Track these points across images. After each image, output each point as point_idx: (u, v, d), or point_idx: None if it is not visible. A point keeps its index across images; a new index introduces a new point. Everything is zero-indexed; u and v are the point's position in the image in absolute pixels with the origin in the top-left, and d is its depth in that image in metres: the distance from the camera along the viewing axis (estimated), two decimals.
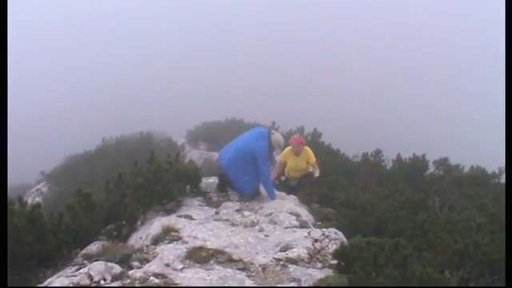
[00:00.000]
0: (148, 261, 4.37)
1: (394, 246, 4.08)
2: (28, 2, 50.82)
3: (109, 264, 4.10)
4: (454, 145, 27.16)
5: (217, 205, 6.54)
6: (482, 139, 31.08)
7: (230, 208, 6.30)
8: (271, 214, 6.01)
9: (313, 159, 8.40)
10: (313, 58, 49.98)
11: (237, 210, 6.21)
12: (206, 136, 20.13)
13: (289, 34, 53.47)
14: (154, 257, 4.46)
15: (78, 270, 4.15)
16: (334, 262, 4.39)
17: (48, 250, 4.60)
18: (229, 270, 4.25)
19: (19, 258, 4.43)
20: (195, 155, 16.05)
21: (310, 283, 4.04)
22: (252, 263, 4.43)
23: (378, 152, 12.68)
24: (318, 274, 4.24)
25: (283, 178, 8.80)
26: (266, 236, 5.23)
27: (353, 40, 51.39)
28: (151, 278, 3.96)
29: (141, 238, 5.09)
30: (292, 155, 8.42)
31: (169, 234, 5.05)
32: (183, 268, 4.23)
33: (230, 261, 4.48)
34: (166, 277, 4.01)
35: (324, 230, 5.30)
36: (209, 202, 6.70)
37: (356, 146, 15.40)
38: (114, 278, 3.96)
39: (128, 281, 3.90)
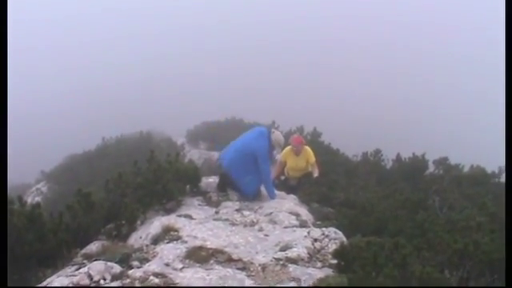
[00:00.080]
0: (148, 260, 4.37)
1: (393, 246, 4.08)
2: (28, 1, 50.83)
3: (108, 263, 4.09)
4: (454, 144, 27.22)
5: (216, 204, 6.54)
6: (481, 138, 31.13)
7: (229, 207, 6.30)
8: (271, 213, 6.01)
9: (312, 159, 8.39)
10: (312, 57, 50.04)
11: (236, 210, 6.20)
12: (206, 135, 20.16)
13: (288, 34, 53.52)
14: (154, 256, 4.46)
15: (77, 269, 4.15)
16: (334, 261, 4.39)
17: (48, 250, 4.60)
18: (228, 269, 4.25)
19: (19, 257, 4.43)
20: (195, 155, 16.09)
21: (310, 283, 4.04)
22: (252, 263, 4.43)
23: (377, 151, 12.68)
24: (317, 273, 4.24)
25: (283, 178, 8.80)
26: (266, 235, 5.23)
27: (352, 39, 51.44)
28: (151, 277, 3.95)
29: (140, 237, 5.09)
30: (292, 155, 8.41)
31: (168, 234, 5.04)
32: (183, 268, 4.23)
33: (229, 260, 4.47)
34: (166, 276, 4.01)
35: (324, 229, 5.30)
36: (208, 202, 6.69)
37: (356, 145, 15.43)
38: (114, 277, 3.96)
39: (128, 280, 3.90)
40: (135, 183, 6.14)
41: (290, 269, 4.32)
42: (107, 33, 53.16)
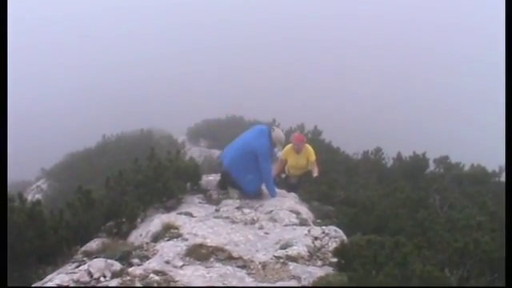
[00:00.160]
0: (148, 258, 4.37)
1: (394, 244, 4.07)
2: None
3: (109, 261, 4.10)
4: (455, 143, 27.23)
5: (217, 202, 6.54)
6: (482, 137, 31.12)
7: (230, 205, 6.29)
8: (271, 211, 6.00)
9: (313, 157, 8.38)
10: (313, 55, 50.01)
11: (237, 208, 6.20)
12: (207, 133, 20.17)
13: (289, 32, 53.45)
14: (154, 254, 4.46)
15: (77, 266, 4.15)
16: (334, 259, 4.39)
17: (48, 247, 4.61)
18: (229, 267, 4.25)
19: (19, 254, 4.43)
20: (195, 152, 16.08)
21: (310, 281, 4.04)
22: (252, 261, 4.43)
23: (378, 150, 12.66)
24: (317, 271, 4.25)
25: (283, 176, 8.80)
26: (266, 234, 5.23)
27: (353, 38, 51.38)
28: (151, 275, 3.96)
29: (141, 235, 5.09)
30: (293, 153, 8.41)
31: (169, 232, 5.05)
32: (183, 265, 4.23)
33: (229, 258, 4.48)
34: (166, 274, 4.01)
35: (324, 227, 5.30)
36: (209, 200, 6.69)
37: (356, 143, 15.43)
38: (114, 274, 3.96)
39: (128, 278, 3.90)
40: (135, 181, 6.14)
41: (291, 267, 4.32)
42: (108, 31, 53.17)
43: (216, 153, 14.77)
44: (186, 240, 4.78)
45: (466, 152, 16.38)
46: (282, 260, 4.46)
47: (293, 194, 7.41)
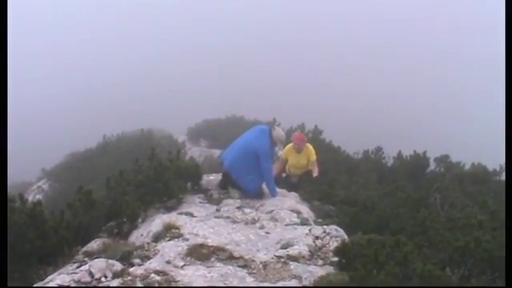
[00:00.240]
0: (149, 258, 4.37)
1: (394, 244, 4.07)
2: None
3: (110, 261, 4.10)
4: (455, 142, 27.22)
5: (218, 202, 6.53)
6: (482, 136, 31.09)
7: (230, 205, 6.29)
8: (272, 211, 6.00)
9: (313, 157, 8.36)
10: (314, 55, 50.00)
11: (238, 208, 6.20)
12: (207, 133, 20.18)
13: (290, 31, 53.45)
14: (155, 254, 4.46)
15: (78, 267, 4.15)
16: (335, 259, 4.39)
17: (49, 247, 4.61)
18: (230, 267, 4.25)
19: (20, 255, 4.43)
20: (196, 152, 16.10)
21: (311, 280, 4.04)
22: (253, 260, 4.43)
23: (378, 149, 12.67)
24: (318, 271, 4.25)
25: (284, 175, 8.79)
26: (267, 233, 5.23)
27: (354, 37, 51.41)
28: (152, 275, 3.96)
29: (142, 235, 5.09)
30: (293, 152, 8.40)
31: (170, 232, 5.04)
32: (184, 265, 4.24)
33: (230, 258, 4.48)
34: (167, 274, 4.01)
35: (325, 227, 5.30)
36: (210, 200, 6.69)
37: (357, 143, 15.41)
38: (115, 275, 3.96)
39: (129, 278, 3.90)
40: (136, 181, 6.15)
41: (291, 266, 4.32)
42: (108, 31, 53.17)
43: (216, 153, 14.79)
44: (187, 240, 4.78)
45: (467, 151, 16.39)
46: (282, 259, 4.46)
47: (293, 193, 7.41)
